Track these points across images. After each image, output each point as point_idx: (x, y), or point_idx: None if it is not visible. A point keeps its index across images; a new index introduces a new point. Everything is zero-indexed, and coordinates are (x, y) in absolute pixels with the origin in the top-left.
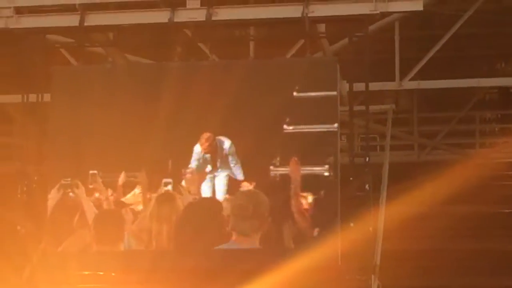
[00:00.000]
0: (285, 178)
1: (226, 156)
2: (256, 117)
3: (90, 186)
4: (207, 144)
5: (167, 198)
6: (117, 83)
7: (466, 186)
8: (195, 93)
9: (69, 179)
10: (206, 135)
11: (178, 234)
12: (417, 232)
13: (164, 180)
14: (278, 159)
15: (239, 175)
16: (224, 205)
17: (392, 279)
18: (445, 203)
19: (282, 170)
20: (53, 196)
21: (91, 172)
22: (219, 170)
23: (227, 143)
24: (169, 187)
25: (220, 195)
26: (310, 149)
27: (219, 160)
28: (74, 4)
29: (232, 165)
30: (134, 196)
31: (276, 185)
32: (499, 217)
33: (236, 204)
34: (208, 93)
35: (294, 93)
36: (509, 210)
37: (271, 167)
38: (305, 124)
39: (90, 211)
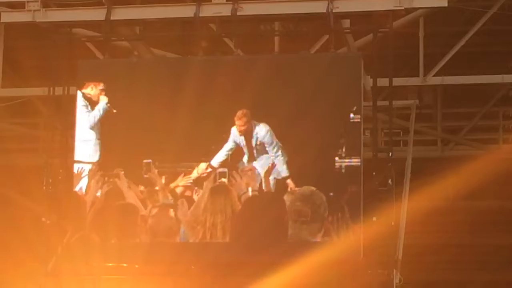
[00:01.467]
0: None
1: (262, 144)
2: (280, 111)
3: (145, 176)
4: (245, 119)
5: (221, 190)
6: (142, 77)
7: (488, 182)
8: (219, 87)
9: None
10: (243, 110)
11: (235, 227)
12: (439, 227)
13: (219, 170)
14: (344, 149)
15: (284, 172)
16: (285, 198)
17: (413, 273)
18: (468, 198)
19: (348, 161)
20: (93, 187)
21: (145, 161)
22: (258, 161)
23: (263, 130)
24: (224, 179)
25: None
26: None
27: (255, 150)
28: None
29: (272, 155)
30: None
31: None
32: None
33: (293, 209)
34: (231, 88)
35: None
36: None
37: (336, 158)
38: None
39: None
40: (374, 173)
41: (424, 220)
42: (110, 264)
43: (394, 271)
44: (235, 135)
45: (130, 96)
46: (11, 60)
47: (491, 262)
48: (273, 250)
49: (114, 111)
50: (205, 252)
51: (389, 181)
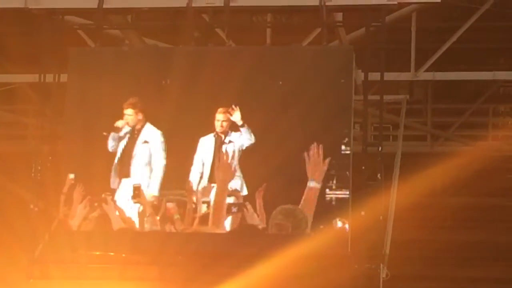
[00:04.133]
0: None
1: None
2: (271, 104)
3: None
4: (228, 115)
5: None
6: (133, 66)
7: (476, 178)
8: (210, 78)
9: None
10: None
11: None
12: (427, 222)
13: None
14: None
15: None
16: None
17: (400, 268)
18: (456, 194)
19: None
20: (80, 212)
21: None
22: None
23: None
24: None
25: None
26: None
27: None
28: None
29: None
30: None
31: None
32: (509, 209)
33: (274, 223)
34: (222, 79)
35: None
36: None
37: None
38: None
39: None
40: (363, 167)
41: (411, 215)
42: (97, 253)
43: (381, 265)
44: (204, 147)
45: (120, 85)
46: (1, 46)
47: (475, 259)
48: (260, 241)
49: None
50: (191, 242)
51: (378, 176)
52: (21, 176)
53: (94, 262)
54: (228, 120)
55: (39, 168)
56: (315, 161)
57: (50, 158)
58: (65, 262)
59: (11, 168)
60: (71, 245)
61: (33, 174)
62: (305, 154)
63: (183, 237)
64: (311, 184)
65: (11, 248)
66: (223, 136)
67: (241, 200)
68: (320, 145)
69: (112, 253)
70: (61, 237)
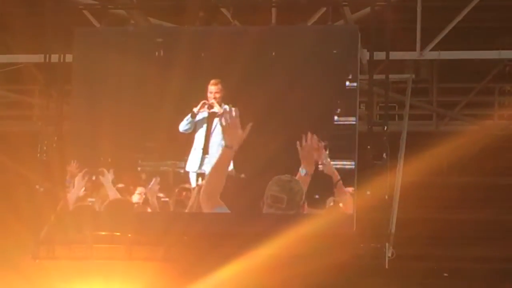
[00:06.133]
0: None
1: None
2: (274, 83)
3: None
4: (220, 86)
5: None
6: (138, 46)
7: (482, 157)
8: (213, 57)
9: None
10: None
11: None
12: (432, 201)
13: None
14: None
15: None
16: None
17: (405, 248)
18: (461, 173)
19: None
20: (78, 184)
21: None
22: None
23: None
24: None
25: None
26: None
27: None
28: None
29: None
30: None
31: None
32: None
33: (270, 195)
34: (225, 58)
35: None
36: None
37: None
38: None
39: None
40: (369, 147)
41: (417, 194)
42: (103, 233)
43: (387, 244)
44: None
45: (124, 65)
46: (6, 26)
47: (482, 238)
48: (264, 220)
49: None
50: (196, 223)
51: (384, 155)
52: (27, 157)
53: (100, 242)
54: (221, 91)
55: (45, 148)
56: (308, 149)
57: (55, 138)
58: (71, 242)
59: (17, 148)
60: (77, 225)
61: (38, 155)
62: (298, 144)
63: (188, 217)
64: (302, 172)
65: (17, 229)
66: (215, 108)
67: None
68: (314, 135)
69: (118, 233)
70: (67, 218)
